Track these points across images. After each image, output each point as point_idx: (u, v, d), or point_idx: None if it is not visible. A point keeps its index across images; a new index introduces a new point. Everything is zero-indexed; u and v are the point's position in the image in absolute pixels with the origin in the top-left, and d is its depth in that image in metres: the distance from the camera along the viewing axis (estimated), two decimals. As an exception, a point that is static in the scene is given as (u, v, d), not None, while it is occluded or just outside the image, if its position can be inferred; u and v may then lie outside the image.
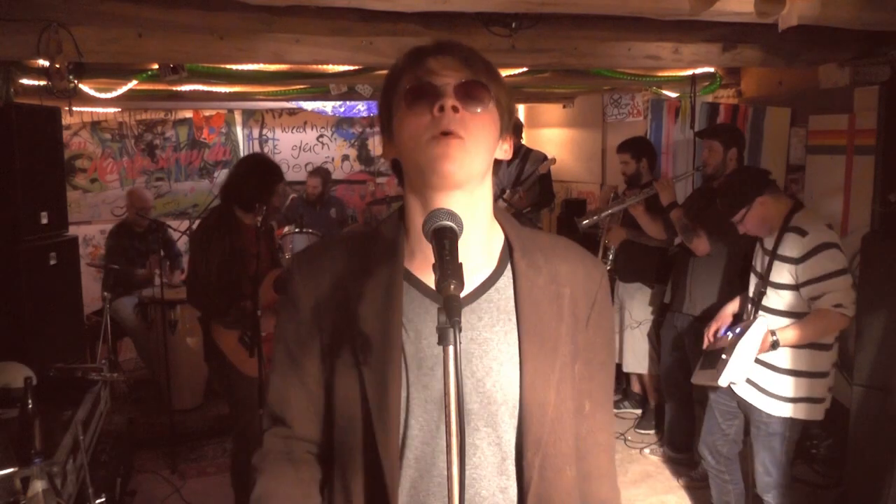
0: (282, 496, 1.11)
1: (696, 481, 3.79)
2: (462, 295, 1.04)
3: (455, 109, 1.04)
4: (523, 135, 6.26)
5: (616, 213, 4.15)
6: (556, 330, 1.09)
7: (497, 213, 1.17)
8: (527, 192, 5.55)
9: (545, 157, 5.66)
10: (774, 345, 2.68)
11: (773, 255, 2.75)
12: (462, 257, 0.93)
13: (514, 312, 1.09)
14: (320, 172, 6.36)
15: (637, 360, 4.39)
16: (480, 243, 1.12)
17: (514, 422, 1.08)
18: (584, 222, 4.12)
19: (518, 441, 1.08)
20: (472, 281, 1.09)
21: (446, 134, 1.02)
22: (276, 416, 1.17)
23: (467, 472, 1.06)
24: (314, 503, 1.13)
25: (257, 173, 3.23)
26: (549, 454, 1.07)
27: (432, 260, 0.93)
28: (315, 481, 1.15)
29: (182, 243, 5.24)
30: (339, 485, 1.11)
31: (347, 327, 1.09)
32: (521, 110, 7.71)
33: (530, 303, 1.08)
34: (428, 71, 1.06)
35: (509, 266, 1.12)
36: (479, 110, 1.06)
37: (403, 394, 1.06)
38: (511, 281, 1.11)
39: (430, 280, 1.08)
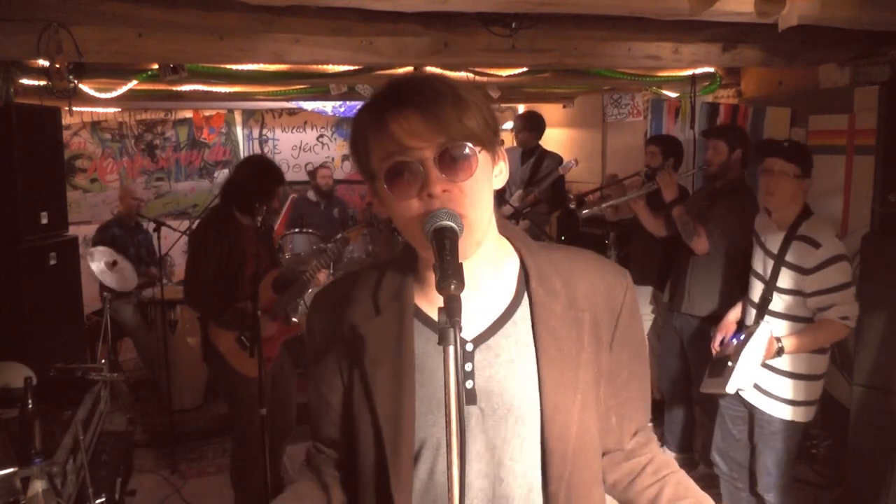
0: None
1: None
2: (479, 332, 1.06)
3: (446, 190, 0.97)
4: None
5: (618, 205, 4.15)
6: (577, 359, 1.06)
7: (507, 232, 1.13)
8: (541, 193, 5.47)
9: (562, 160, 5.56)
10: (780, 351, 2.69)
11: (780, 261, 2.74)
12: (475, 294, 0.93)
13: (533, 345, 1.06)
14: (327, 165, 6.42)
15: None
16: (492, 276, 1.09)
17: (538, 454, 1.06)
18: (585, 212, 4.11)
19: (543, 474, 1.07)
20: (487, 316, 1.07)
21: None
22: (322, 440, 1.22)
23: (495, 503, 1.06)
24: None
25: (258, 176, 3.23)
26: (574, 483, 1.06)
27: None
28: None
29: (180, 244, 5.24)
30: None
31: (361, 370, 1.08)
32: (521, 110, 7.70)
33: (548, 334, 1.06)
34: (397, 144, 0.97)
35: (526, 295, 1.09)
36: (468, 172, 0.98)
37: (421, 434, 1.05)
38: (528, 311, 1.07)
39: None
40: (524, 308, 1.08)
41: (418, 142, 0.96)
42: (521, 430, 1.05)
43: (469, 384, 1.04)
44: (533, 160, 5.42)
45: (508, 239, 1.13)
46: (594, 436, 1.09)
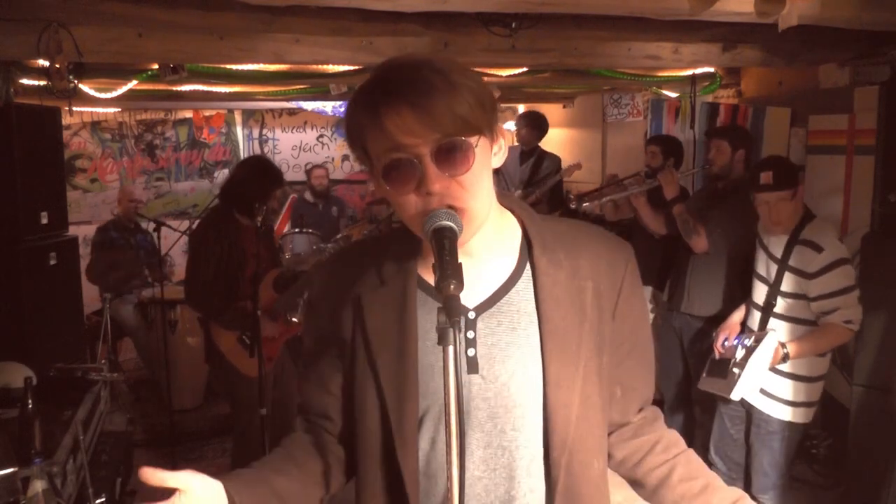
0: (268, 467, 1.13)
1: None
2: (481, 300, 1.06)
3: (445, 186, 0.97)
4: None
5: (617, 199, 4.15)
6: (580, 328, 1.07)
7: (509, 203, 1.13)
8: (542, 195, 5.47)
9: (560, 161, 5.55)
10: (785, 357, 2.69)
11: (784, 265, 2.74)
12: (478, 263, 0.92)
13: (536, 313, 1.07)
14: (323, 165, 6.42)
15: None
16: (494, 246, 1.09)
17: (541, 422, 1.07)
18: (585, 203, 4.11)
19: (545, 441, 1.07)
20: (489, 285, 1.08)
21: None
22: (313, 412, 1.19)
23: (496, 474, 1.07)
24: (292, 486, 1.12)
25: (257, 177, 3.24)
26: (576, 450, 1.07)
27: None
28: (318, 475, 1.15)
29: (180, 244, 5.24)
30: (361, 493, 1.11)
31: (365, 339, 1.08)
32: (521, 110, 7.70)
33: (552, 303, 1.06)
34: (392, 140, 0.96)
35: (528, 265, 1.09)
36: (466, 167, 0.97)
37: (424, 403, 1.06)
38: (531, 280, 1.08)
39: None
40: (527, 277, 1.08)
41: (413, 139, 0.96)
42: (523, 399, 1.05)
43: (471, 352, 1.04)
44: (532, 160, 5.41)
45: (510, 209, 1.13)
46: (596, 405, 1.09)
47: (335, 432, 1.17)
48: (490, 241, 1.08)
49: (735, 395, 2.80)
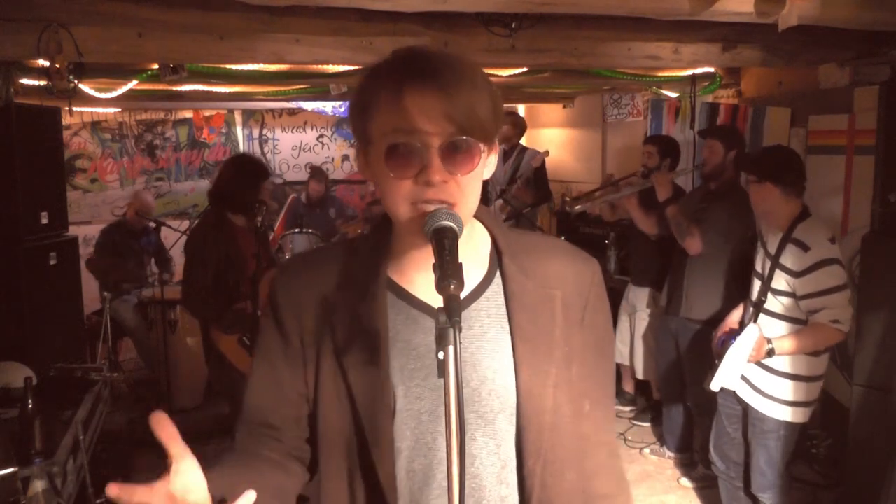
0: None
1: (694, 481, 3.78)
2: None
3: (444, 180, 0.96)
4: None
5: (611, 201, 4.15)
6: (550, 334, 1.06)
7: (479, 214, 1.11)
8: (525, 188, 5.52)
9: (541, 154, 5.66)
10: (770, 353, 2.69)
11: (776, 263, 2.75)
12: None
13: (507, 319, 1.06)
14: (320, 175, 6.29)
15: (644, 360, 4.41)
16: (466, 252, 1.06)
17: (513, 429, 1.06)
18: (577, 207, 4.12)
19: (518, 449, 1.06)
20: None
21: (434, 202, 0.97)
22: (258, 422, 1.12)
23: (466, 483, 1.03)
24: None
25: (241, 175, 3.22)
26: (549, 460, 1.05)
27: (417, 268, 0.89)
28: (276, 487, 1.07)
29: (180, 244, 5.24)
30: (326, 499, 1.08)
31: (333, 342, 1.05)
32: (521, 110, 7.70)
33: (522, 308, 1.06)
34: (407, 121, 0.94)
35: (498, 272, 1.09)
36: (469, 168, 0.98)
37: (393, 406, 1.04)
38: (501, 287, 1.08)
39: (414, 289, 1.06)
40: (497, 284, 1.08)
41: (429, 126, 0.95)
42: (494, 404, 1.04)
43: (440, 355, 0.98)
44: (513, 158, 5.57)
45: (479, 220, 1.12)
46: (567, 415, 1.07)
47: (286, 441, 1.12)
48: (462, 248, 1.04)
49: (714, 386, 2.80)
